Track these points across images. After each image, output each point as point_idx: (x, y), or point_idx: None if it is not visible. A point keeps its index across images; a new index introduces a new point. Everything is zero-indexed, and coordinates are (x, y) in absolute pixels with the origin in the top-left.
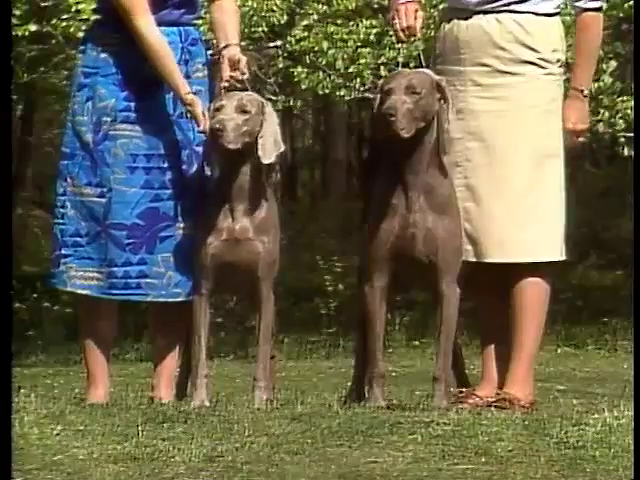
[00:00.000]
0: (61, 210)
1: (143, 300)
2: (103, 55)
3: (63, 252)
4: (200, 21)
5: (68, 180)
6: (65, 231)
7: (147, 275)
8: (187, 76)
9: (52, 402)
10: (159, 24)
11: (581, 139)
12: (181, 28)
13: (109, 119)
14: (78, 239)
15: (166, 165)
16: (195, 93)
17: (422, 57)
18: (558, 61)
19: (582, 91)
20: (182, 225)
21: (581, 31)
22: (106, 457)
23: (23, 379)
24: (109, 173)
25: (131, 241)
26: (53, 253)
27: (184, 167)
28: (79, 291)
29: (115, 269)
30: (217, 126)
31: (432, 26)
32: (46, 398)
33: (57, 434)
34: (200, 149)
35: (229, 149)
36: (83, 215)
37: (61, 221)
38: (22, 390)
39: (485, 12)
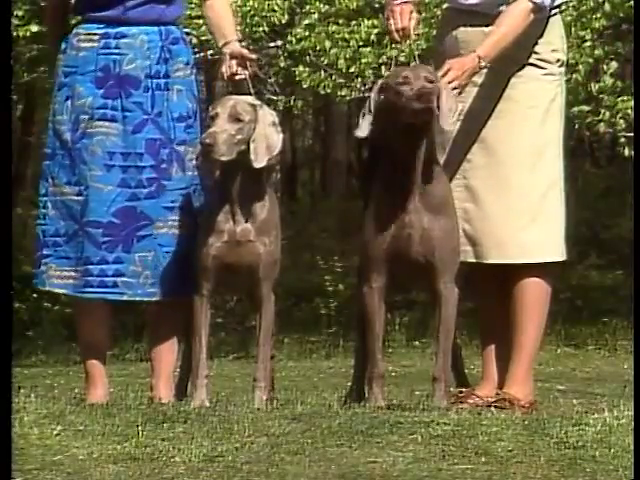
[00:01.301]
0: (43, 211)
1: (119, 299)
2: (82, 54)
3: (44, 252)
4: (201, 21)
5: (49, 180)
6: (46, 231)
7: (123, 274)
8: (167, 75)
9: (52, 402)
10: (140, 23)
11: (453, 85)
12: (162, 27)
13: (86, 117)
14: (57, 239)
15: (143, 164)
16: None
17: (416, 57)
18: (558, 61)
19: (479, 57)
20: (161, 225)
21: (505, 12)
22: (106, 457)
23: (23, 379)
24: (86, 171)
25: (107, 239)
26: (36, 254)
27: (163, 166)
28: (56, 290)
29: (91, 267)
30: (208, 141)
31: (434, 25)
32: (46, 398)
33: (57, 434)
34: (181, 148)
35: (223, 161)
36: (63, 214)
37: (43, 222)
38: (22, 390)
39: (483, 14)
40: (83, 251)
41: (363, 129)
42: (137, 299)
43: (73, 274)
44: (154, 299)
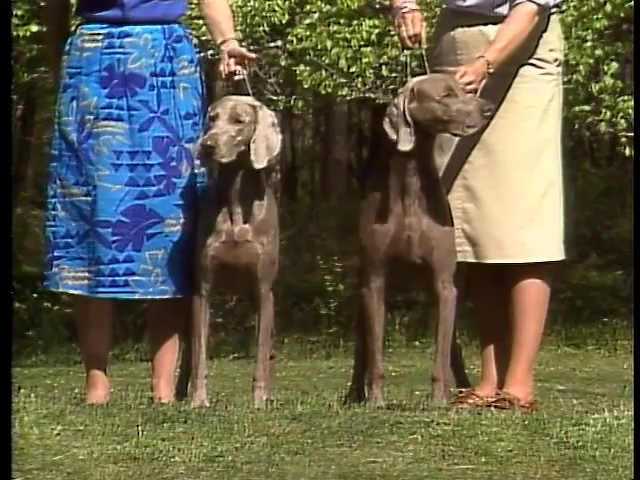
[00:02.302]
0: (52, 212)
1: (131, 298)
2: (86, 54)
3: (56, 254)
4: (201, 21)
5: (57, 182)
6: (57, 233)
7: (134, 272)
8: (172, 73)
9: (52, 402)
10: (145, 22)
11: (470, 88)
12: (165, 26)
13: (92, 117)
14: (69, 240)
15: (151, 162)
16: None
17: (425, 58)
18: (556, 60)
19: (488, 63)
20: (171, 222)
21: (511, 16)
22: (106, 457)
23: (23, 379)
24: (93, 171)
25: (116, 238)
26: (46, 256)
27: (173, 164)
28: (71, 291)
29: (102, 267)
30: (209, 143)
31: (435, 25)
32: (46, 398)
33: (57, 434)
34: (190, 146)
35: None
36: (72, 215)
37: (52, 223)
38: (22, 390)
39: (480, 15)
40: (94, 251)
41: (406, 142)
42: (149, 297)
43: (87, 274)
44: (166, 297)
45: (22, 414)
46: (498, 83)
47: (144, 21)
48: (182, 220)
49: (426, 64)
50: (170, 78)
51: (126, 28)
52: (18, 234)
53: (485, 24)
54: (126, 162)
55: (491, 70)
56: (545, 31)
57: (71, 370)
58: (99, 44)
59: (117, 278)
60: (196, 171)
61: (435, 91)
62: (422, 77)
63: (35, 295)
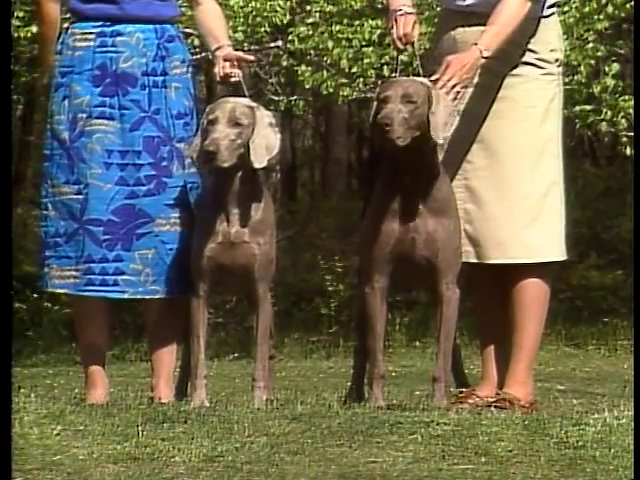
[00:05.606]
0: (44, 212)
1: (120, 297)
2: (78, 53)
3: (46, 254)
4: None
5: (49, 182)
6: (47, 233)
7: (124, 272)
8: (164, 73)
9: (52, 402)
10: (136, 21)
11: (453, 82)
12: (157, 26)
13: (84, 115)
14: (58, 239)
15: (141, 162)
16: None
17: (418, 59)
18: (556, 61)
19: (481, 50)
20: (161, 222)
21: (502, 3)
22: (106, 457)
23: (23, 379)
24: (85, 169)
25: (107, 237)
26: (39, 256)
27: (163, 164)
28: (57, 290)
29: (92, 265)
30: (211, 148)
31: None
32: (46, 398)
33: (57, 434)
34: (181, 146)
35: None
36: (62, 214)
37: (44, 223)
38: (22, 390)
39: (481, 14)
40: (84, 250)
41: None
42: (138, 297)
43: (74, 273)
44: (156, 297)
45: (22, 414)
46: (490, 83)
47: (137, 19)
48: (173, 220)
49: (419, 65)
50: (162, 78)
51: (118, 27)
52: (18, 234)
53: (485, 23)
54: (117, 161)
55: (485, 54)
56: (537, 30)
57: (71, 370)
58: (91, 43)
59: (107, 277)
60: (187, 171)
61: (377, 96)
62: (391, 80)
63: (35, 295)
